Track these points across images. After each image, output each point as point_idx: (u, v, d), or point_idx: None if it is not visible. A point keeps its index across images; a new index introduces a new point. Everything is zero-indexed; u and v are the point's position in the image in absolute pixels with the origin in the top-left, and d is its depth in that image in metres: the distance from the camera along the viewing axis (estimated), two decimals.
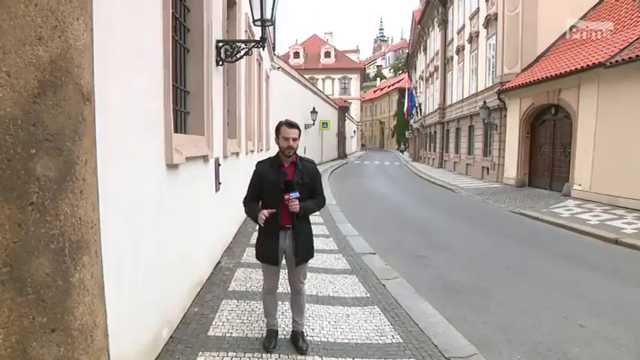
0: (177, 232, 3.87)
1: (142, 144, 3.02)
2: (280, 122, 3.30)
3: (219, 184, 5.67)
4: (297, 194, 3.16)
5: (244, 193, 3.44)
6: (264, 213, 3.16)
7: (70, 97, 1.56)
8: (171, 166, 3.61)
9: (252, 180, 3.38)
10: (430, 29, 33.14)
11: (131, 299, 2.79)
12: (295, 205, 3.15)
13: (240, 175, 6.88)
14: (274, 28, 14.63)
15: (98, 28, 1.88)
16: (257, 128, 10.30)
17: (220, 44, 5.52)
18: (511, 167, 16.44)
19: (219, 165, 5.60)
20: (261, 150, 11.05)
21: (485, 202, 13.03)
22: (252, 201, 3.34)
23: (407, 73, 54.92)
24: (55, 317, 1.50)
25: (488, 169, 19.19)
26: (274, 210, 3.20)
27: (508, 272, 6.08)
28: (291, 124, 3.25)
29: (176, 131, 4.02)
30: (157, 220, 3.33)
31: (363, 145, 70.57)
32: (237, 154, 7.10)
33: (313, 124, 28.31)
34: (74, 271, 1.57)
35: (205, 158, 4.82)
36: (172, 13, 3.81)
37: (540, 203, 12.09)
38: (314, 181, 3.36)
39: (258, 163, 3.40)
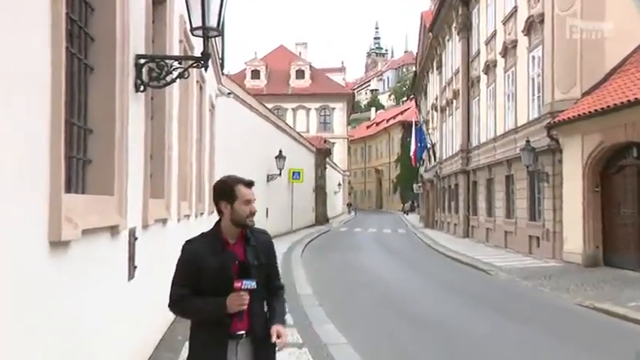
0: (61, 345, 3.75)
1: (10, 210, 2.93)
2: (229, 180, 3.47)
3: (135, 267, 5.61)
4: (253, 283, 3.28)
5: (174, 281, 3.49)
6: (236, 297, 3.25)
7: None
8: (58, 245, 3.51)
9: (181, 269, 3.46)
10: (446, 38, 34.55)
11: None
12: (245, 301, 3.27)
13: (168, 254, 6.68)
14: (222, 39, 15.03)
15: None
16: (196, 182, 10.41)
17: (142, 61, 5.64)
18: (574, 237, 16.61)
19: (136, 239, 5.61)
20: (202, 214, 11.24)
21: (537, 289, 13.13)
22: (192, 296, 3.38)
23: (414, 101, 56.31)
24: None
25: (538, 239, 19.49)
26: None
27: None
28: (250, 183, 3.50)
29: (69, 190, 4.03)
30: (32, 328, 3.23)
31: (349, 206, 70.97)
32: (164, 221, 7.17)
33: (279, 175, 29.00)
34: None
35: (114, 230, 4.81)
36: (66, 13, 3.77)
37: (625, 292, 12.10)
38: (271, 260, 3.56)
39: (188, 243, 3.49)
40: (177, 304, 3.43)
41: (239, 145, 20.69)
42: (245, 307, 3.28)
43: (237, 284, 3.26)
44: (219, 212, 3.46)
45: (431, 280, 15.04)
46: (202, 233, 3.54)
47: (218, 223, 3.47)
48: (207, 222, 10.84)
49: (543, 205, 18.82)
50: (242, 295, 3.26)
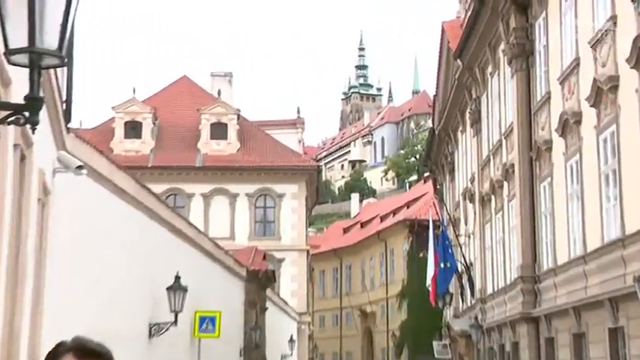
0: None
1: None
2: (56, 347, 2.73)
3: None
4: None
5: None
6: None
7: None
8: None
9: None
10: (488, 70, 31.98)
11: None
12: None
13: None
14: (70, 70, 14.12)
15: None
16: (2, 349, 9.67)
17: None
18: None
19: None
20: None
21: None
22: None
23: (431, 182, 53.23)
24: None
25: None
26: None
27: None
28: (89, 351, 2.69)
29: None
30: None
31: None
32: None
33: (174, 324, 24.58)
34: None
35: None
36: None
37: None
38: None
39: None
40: None
41: (96, 268, 16.70)
42: None
43: None
44: None
45: None
46: None
47: None
48: None
49: None
50: None
